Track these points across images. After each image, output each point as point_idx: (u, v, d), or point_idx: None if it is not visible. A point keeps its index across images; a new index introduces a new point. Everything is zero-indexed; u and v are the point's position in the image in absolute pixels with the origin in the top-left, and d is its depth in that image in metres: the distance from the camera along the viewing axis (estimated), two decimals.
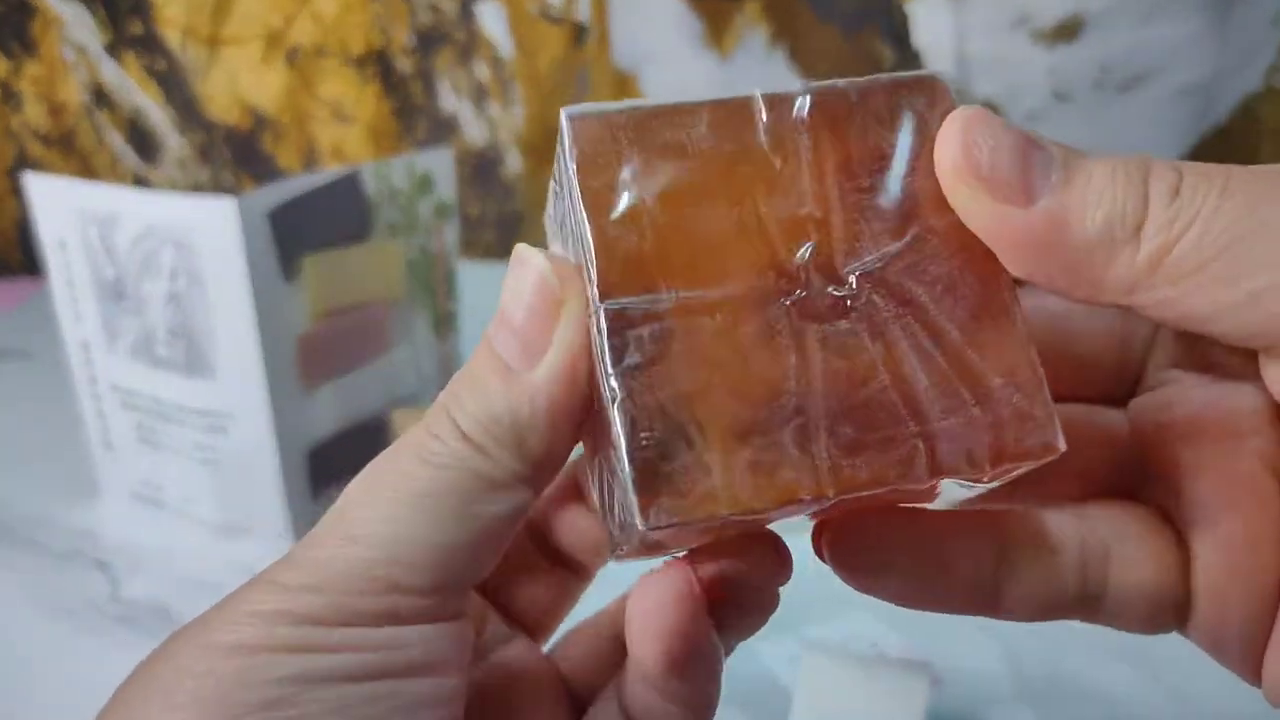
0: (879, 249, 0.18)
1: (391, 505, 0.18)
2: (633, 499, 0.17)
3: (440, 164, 0.59)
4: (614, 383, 0.17)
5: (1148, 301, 0.17)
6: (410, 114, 0.91)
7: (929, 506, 0.20)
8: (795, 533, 0.21)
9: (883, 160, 0.18)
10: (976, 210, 0.17)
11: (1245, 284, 0.16)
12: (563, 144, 0.18)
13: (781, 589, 0.21)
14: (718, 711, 0.21)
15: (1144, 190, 0.17)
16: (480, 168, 0.93)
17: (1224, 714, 0.43)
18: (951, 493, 0.19)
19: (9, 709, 0.45)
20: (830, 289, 0.18)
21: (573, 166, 0.18)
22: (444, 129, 0.92)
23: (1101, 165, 0.17)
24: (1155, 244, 0.16)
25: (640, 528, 0.17)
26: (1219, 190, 0.16)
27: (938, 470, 0.17)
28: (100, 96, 0.91)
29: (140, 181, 0.94)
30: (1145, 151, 0.17)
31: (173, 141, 0.93)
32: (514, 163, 0.92)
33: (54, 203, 0.52)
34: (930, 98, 0.19)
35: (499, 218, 0.94)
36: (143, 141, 0.93)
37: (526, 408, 0.18)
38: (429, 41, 0.88)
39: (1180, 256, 0.16)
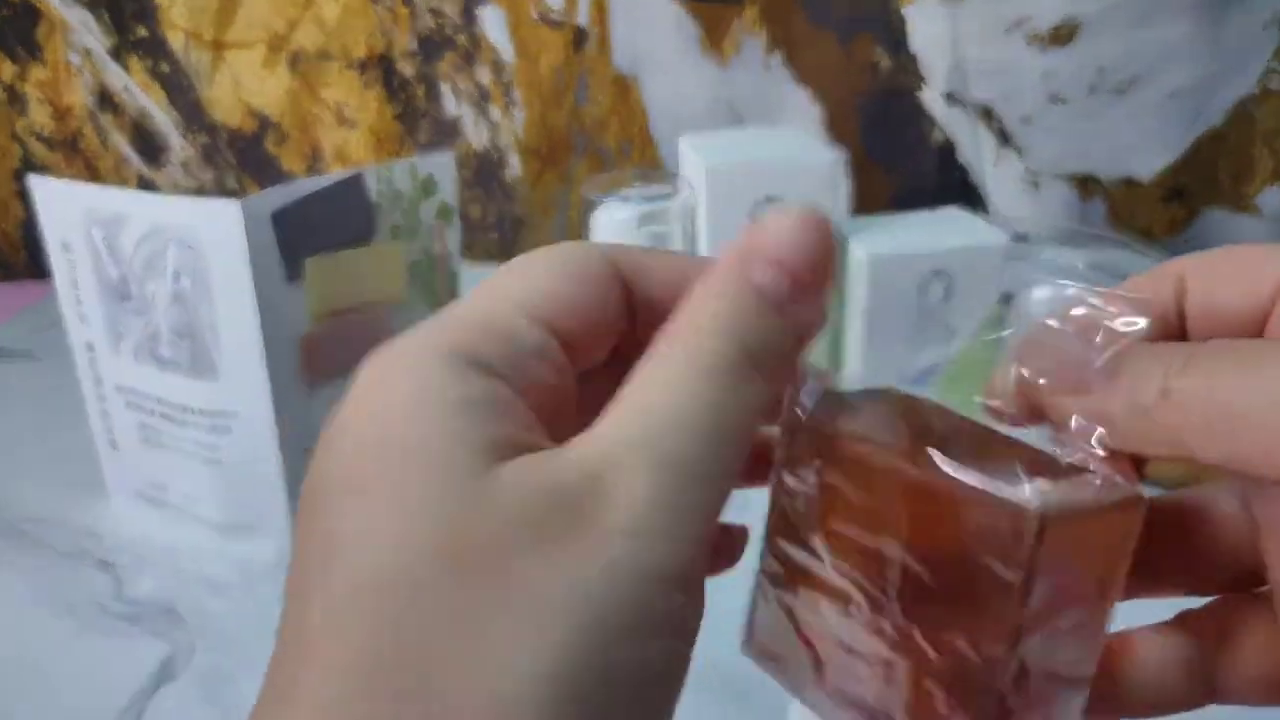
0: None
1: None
2: None
3: (442, 167, 0.59)
4: None
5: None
6: (413, 118, 0.91)
7: None
8: None
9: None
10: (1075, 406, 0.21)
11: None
12: None
13: None
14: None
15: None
16: (482, 171, 0.93)
17: None
18: None
19: (15, 707, 0.45)
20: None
21: None
22: (446, 132, 0.92)
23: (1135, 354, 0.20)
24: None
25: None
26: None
27: None
28: (105, 100, 0.91)
29: (145, 184, 0.94)
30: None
31: (177, 144, 0.93)
32: (515, 166, 0.92)
33: (59, 205, 0.52)
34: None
35: (500, 220, 0.95)
36: (147, 144, 0.93)
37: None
38: (431, 46, 0.89)
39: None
